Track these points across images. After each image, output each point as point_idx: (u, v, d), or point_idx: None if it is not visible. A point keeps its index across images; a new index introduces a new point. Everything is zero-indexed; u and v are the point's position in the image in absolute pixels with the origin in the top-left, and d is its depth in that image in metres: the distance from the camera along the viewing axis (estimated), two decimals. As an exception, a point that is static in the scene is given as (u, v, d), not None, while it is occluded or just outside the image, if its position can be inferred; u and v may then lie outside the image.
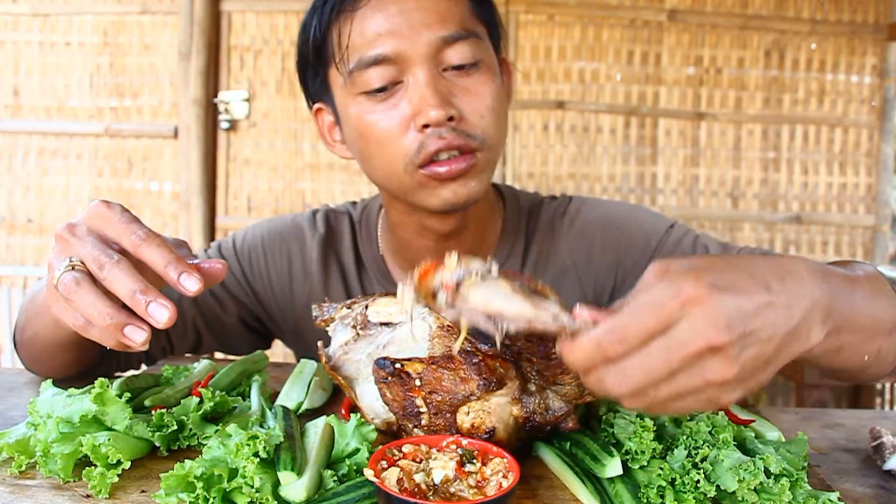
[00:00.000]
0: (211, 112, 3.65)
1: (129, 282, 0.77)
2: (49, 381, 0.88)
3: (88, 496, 0.73)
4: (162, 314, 0.76)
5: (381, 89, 1.05)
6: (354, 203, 1.38)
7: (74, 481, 0.75)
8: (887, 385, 3.04)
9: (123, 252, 0.80)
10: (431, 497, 0.67)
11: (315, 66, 1.14)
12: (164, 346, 1.26)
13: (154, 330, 1.22)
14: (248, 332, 1.34)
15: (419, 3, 1.04)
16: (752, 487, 0.70)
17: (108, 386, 0.80)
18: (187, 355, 1.32)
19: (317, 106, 1.20)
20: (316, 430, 0.81)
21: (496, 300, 0.67)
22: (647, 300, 0.64)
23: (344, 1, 1.06)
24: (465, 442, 0.75)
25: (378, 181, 1.15)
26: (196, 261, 0.83)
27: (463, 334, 0.71)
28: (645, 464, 0.75)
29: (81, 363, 1.11)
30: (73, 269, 0.79)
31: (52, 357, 1.07)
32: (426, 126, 1.03)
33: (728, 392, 0.66)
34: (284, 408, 0.86)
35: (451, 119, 1.03)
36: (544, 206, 1.34)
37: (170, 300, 1.17)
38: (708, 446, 0.75)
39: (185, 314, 1.26)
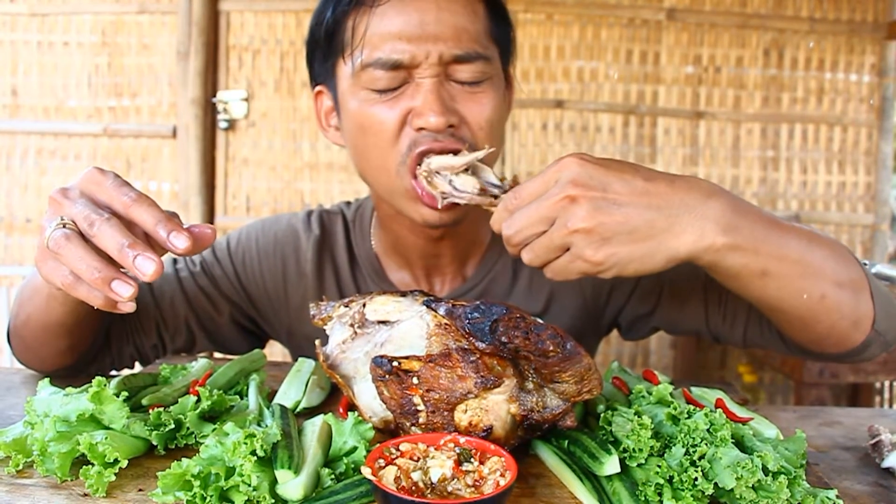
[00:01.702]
0: (209, 112, 3.65)
1: (117, 237, 0.78)
2: (46, 381, 0.88)
3: (86, 495, 0.73)
4: (148, 266, 0.77)
5: (387, 89, 1.06)
6: (348, 203, 1.38)
7: (71, 480, 0.75)
8: (886, 383, 3.04)
9: (115, 214, 0.81)
10: (429, 495, 0.67)
11: (325, 51, 1.14)
12: (155, 344, 1.25)
13: (146, 328, 1.23)
14: (241, 331, 1.34)
15: (439, 14, 1.04)
16: (750, 485, 0.70)
17: (105, 385, 0.80)
18: (184, 354, 1.32)
19: (318, 88, 1.21)
20: (313, 428, 0.81)
21: (462, 182, 0.98)
22: (543, 172, 0.86)
23: None
24: (462, 440, 0.75)
25: (368, 176, 1.15)
26: (187, 225, 0.84)
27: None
28: (643, 461, 0.75)
29: (73, 352, 1.11)
30: (63, 226, 0.80)
31: (43, 343, 1.07)
32: (422, 129, 1.04)
33: (592, 245, 0.82)
34: (282, 406, 0.86)
35: (450, 126, 1.04)
36: None
37: (164, 291, 1.17)
38: (706, 444, 0.75)
39: (177, 312, 1.25)
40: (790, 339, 1.07)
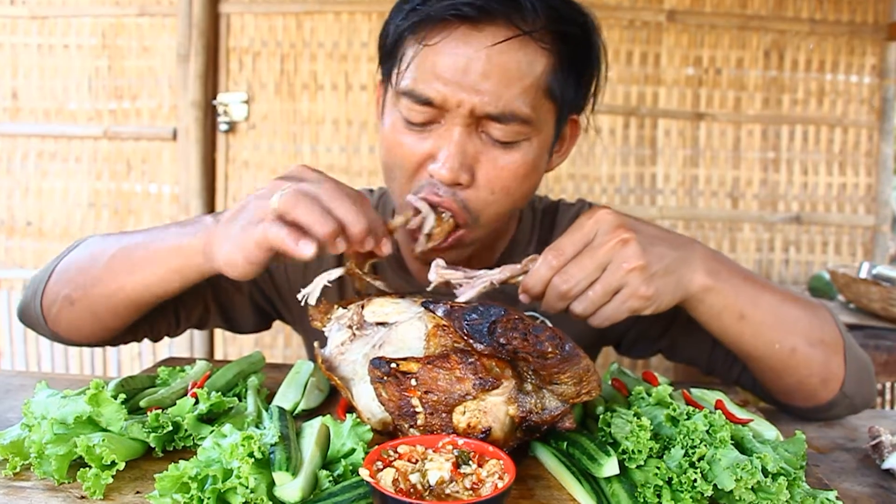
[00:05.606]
0: (210, 114, 3.65)
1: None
2: (44, 383, 0.88)
3: (83, 497, 0.72)
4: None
5: (418, 123, 1.04)
6: (371, 190, 1.38)
7: (69, 482, 0.75)
8: (888, 384, 3.04)
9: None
10: (427, 498, 0.67)
11: (384, 58, 1.13)
12: (169, 321, 1.24)
13: (161, 303, 1.21)
14: (255, 311, 1.34)
15: (488, 67, 0.98)
16: (750, 486, 0.70)
17: (103, 387, 0.80)
18: (185, 353, 1.31)
19: (382, 80, 1.18)
20: (312, 430, 0.81)
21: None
22: (573, 226, 0.93)
23: (420, 27, 1.03)
24: (461, 442, 0.75)
25: (387, 184, 1.17)
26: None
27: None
28: (642, 463, 0.75)
29: (124, 327, 1.14)
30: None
31: (117, 316, 1.09)
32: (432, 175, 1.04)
33: (646, 281, 0.90)
34: (280, 408, 0.86)
35: (458, 184, 1.03)
36: (560, 209, 1.36)
37: None
38: (705, 445, 0.74)
39: (199, 285, 1.24)
40: (764, 387, 1.14)
